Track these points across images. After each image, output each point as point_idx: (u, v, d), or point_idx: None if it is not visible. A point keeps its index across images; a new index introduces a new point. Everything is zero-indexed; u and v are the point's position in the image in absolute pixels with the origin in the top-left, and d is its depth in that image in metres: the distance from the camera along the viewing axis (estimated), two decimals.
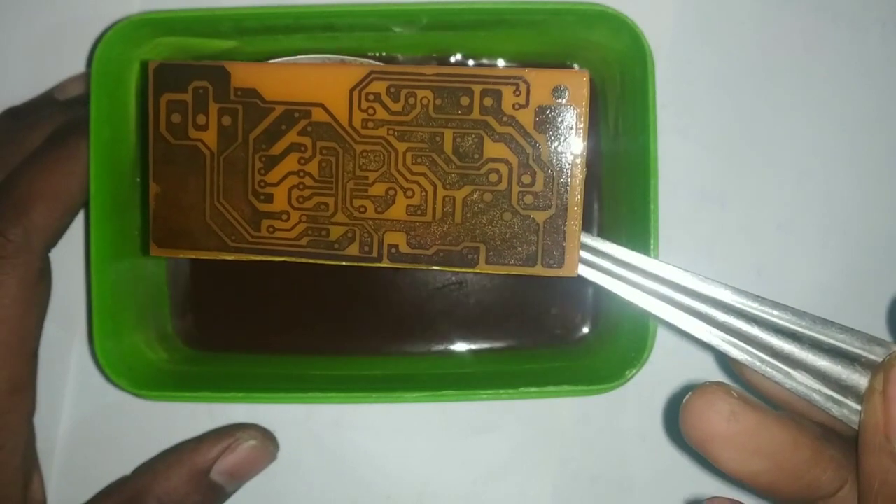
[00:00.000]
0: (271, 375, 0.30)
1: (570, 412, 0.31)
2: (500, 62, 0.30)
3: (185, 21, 0.27)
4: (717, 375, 0.30)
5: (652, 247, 0.25)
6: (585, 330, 0.30)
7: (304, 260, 0.23)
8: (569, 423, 0.31)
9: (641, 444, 0.31)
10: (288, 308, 0.31)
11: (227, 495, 0.28)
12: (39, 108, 0.29)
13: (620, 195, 0.29)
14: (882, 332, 0.31)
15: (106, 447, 0.31)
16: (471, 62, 0.30)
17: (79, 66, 0.31)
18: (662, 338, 0.26)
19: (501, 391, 0.27)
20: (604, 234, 0.30)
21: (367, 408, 0.31)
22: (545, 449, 0.31)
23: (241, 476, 0.28)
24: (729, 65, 0.31)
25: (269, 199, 0.23)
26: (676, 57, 0.31)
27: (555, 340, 0.30)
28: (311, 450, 0.31)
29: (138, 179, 0.28)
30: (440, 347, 0.30)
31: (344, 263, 0.23)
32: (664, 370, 0.30)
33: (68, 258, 0.29)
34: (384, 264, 0.23)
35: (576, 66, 0.30)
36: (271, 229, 0.23)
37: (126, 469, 0.29)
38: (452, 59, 0.30)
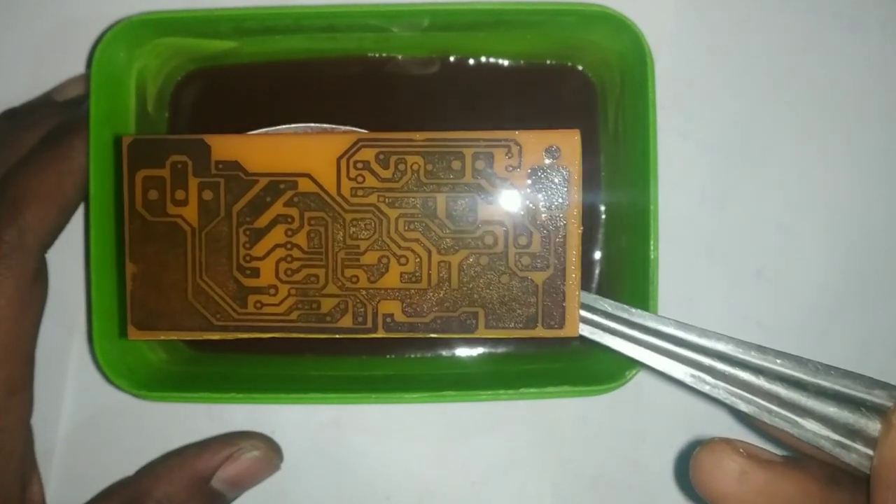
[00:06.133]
0: (271, 376, 0.30)
1: (570, 412, 0.31)
2: (503, 62, 0.30)
3: (185, 21, 0.27)
4: None
5: (652, 247, 0.25)
6: None
7: (294, 335, 0.22)
8: (569, 423, 0.31)
9: (641, 445, 0.31)
10: None
11: (228, 503, 0.28)
12: (37, 110, 0.29)
13: (621, 196, 0.29)
14: (882, 336, 0.31)
15: (105, 447, 0.31)
16: (471, 61, 0.30)
17: (78, 67, 0.31)
18: None
19: (501, 392, 0.27)
20: (606, 235, 0.30)
21: (367, 408, 0.31)
22: (545, 449, 0.31)
23: (241, 485, 0.28)
24: (729, 65, 0.31)
25: (255, 273, 0.22)
26: (676, 57, 0.31)
27: (555, 341, 0.30)
28: (311, 451, 0.31)
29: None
30: (440, 348, 0.30)
31: (338, 336, 0.22)
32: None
33: (68, 258, 0.29)
34: (379, 335, 0.22)
35: (580, 66, 0.30)
36: (259, 305, 0.22)
37: (125, 470, 0.28)
38: (452, 59, 0.30)
